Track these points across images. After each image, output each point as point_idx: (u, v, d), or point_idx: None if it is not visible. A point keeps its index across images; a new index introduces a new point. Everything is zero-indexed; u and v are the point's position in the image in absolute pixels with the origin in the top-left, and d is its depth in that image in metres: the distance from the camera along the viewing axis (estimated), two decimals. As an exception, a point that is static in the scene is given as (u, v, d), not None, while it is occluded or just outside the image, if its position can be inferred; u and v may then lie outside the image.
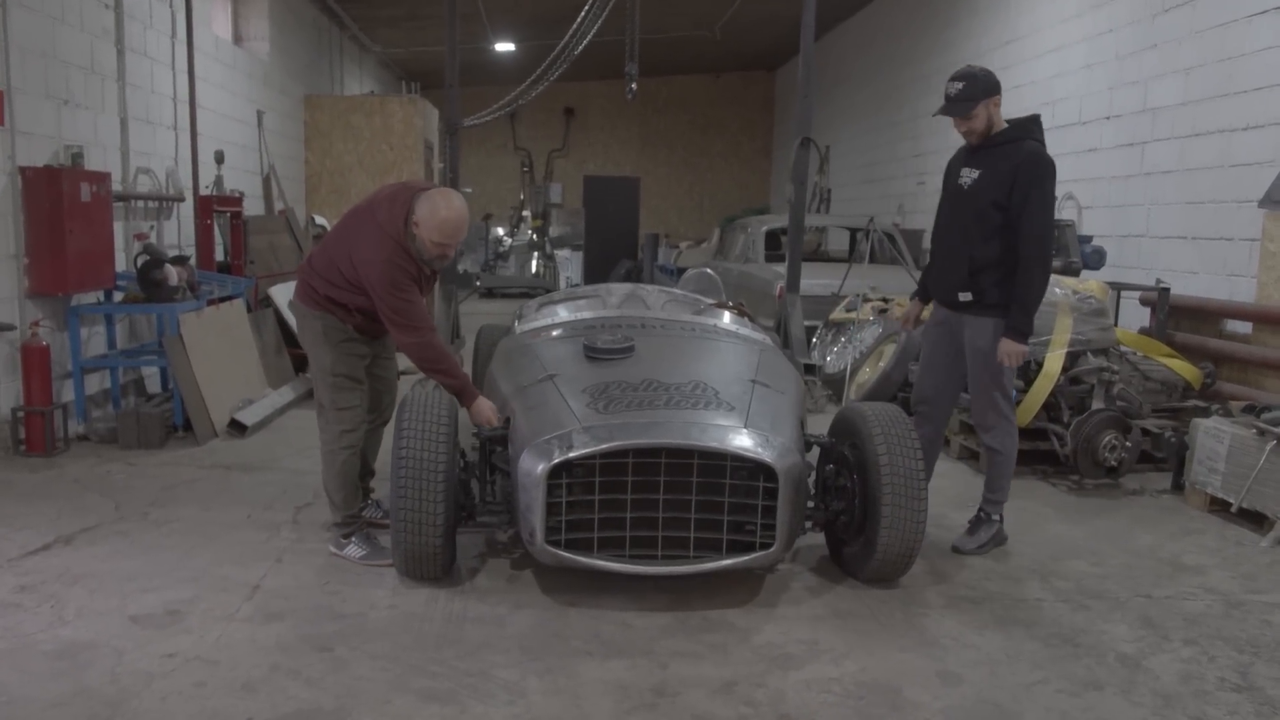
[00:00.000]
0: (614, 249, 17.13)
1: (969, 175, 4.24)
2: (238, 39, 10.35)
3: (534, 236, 18.67)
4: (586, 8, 8.85)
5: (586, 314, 5.07)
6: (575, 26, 8.97)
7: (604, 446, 3.43)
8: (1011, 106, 9.60)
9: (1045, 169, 4.09)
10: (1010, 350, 4.16)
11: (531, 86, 9.49)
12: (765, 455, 3.46)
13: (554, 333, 4.77)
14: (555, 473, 3.44)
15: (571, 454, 3.43)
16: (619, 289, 5.83)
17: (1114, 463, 5.28)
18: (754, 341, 4.75)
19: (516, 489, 3.57)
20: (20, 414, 5.63)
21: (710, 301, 5.78)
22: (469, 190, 19.35)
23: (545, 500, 3.44)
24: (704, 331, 4.75)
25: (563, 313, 5.19)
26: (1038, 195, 4.05)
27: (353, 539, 4.10)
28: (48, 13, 6.00)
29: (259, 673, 3.09)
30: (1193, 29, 6.95)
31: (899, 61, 13.07)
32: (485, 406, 4.03)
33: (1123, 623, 3.62)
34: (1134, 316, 7.20)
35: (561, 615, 3.58)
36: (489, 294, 17.80)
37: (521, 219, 19.65)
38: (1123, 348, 5.97)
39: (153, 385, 7.16)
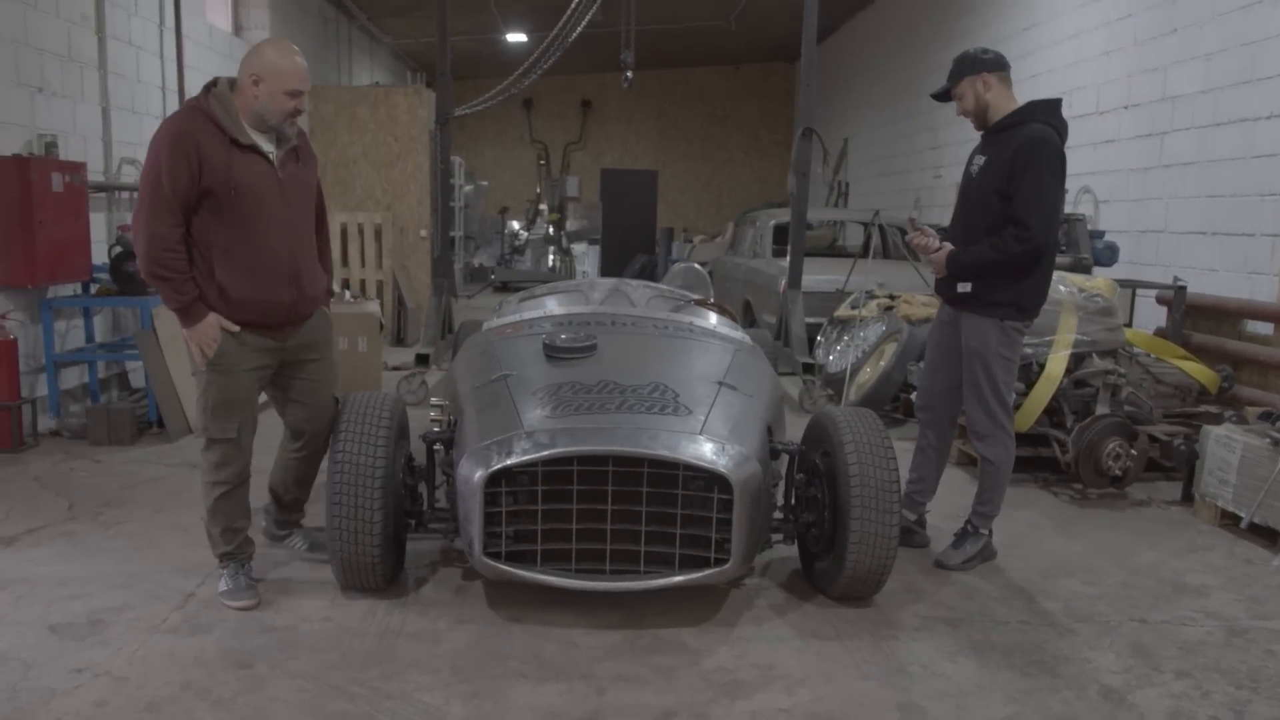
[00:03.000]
0: (631, 243, 16.92)
1: (978, 162, 3.98)
2: (238, 29, 10.21)
3: (550, 230, 18.47)
4: (579, -5, 8.61)
5: (557, 310, 4.84)
6: (568, 14, 8.73)
7: (545, 454, 3.19)
8: (1029, 95, 9.25)
9: (1041, 151, 3.76)
10: (936, 263, 3.99)
11: (523, 76, 9.24)
12: (719, 464, 3.21)
13: (521, 330, 4.54)
14: (494, 480, 3.22)
15: (510, 461, 3.19)
16: (602, 284, 5.60)
17: (1118, 472, 4.97)
18: (730, 341, 4.50)
19: (457, 496, 3.36)
20: (-14, 409, 5.50)
21: (693, 298, 5.53)
22: (485, 183, 19.22)
23: (483, 510, 3.21)
24: (677, 330, 4.50)
25: (535, 309, 4.97)
26: (1033, 178, 3.74)
27: (224, 572, 3.58)
28: (20, -2, 5.86)
29: (167, 691, 2.89)
30: (1214, 12, 6.59)
31: (917, 51, 12.71)
32: (204, 327, 3.32)
33: (1111, 650, 3.33)
34: (1150, 316, 6.86)
35: (503, 631, 3.35)
36: (504, 288, 17.63)
37: (538, 212, 19.46)
38: (1133, 349, 5.64)
39: (137, 379, 7.02)
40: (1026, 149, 3.76)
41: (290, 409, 3.75)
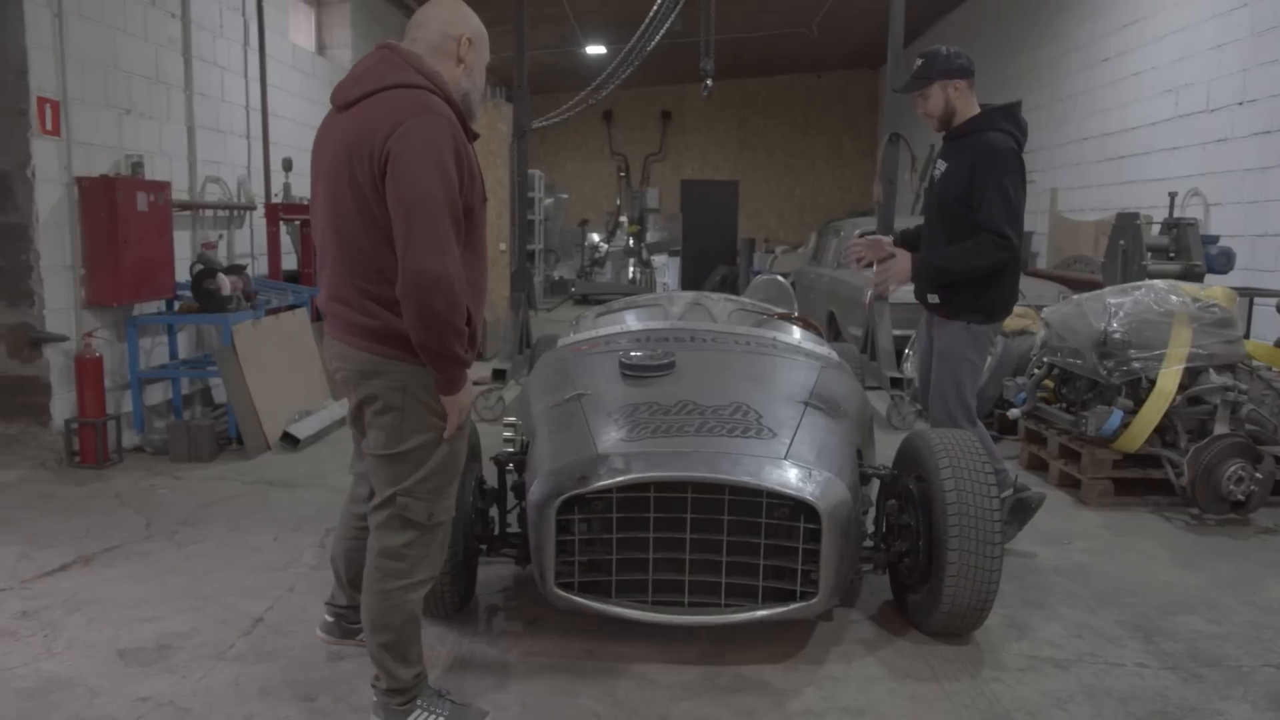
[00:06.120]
0: (712, 254, 16.75)
1: (940, 168, 4.04)
2: (321, 48, 10.36)
3: (630, 242, 18.40)
4: (656, 5, 8.46)
5: (635, 325, 4.67)
6: (646, 23, 8.59)
7: (620, 480, 3.02)
8: (1130, 95, 8.76)
9: (1000, 160, 3.79)
10: (897, 270, 3.99)
11: (600, 87, 9.15)
12: (806, 491, 2.99)
13: (597, 347, 4.39)
14: (566, 507, 3.06)
15: (582, 487, 3.03)
16: (681, 297, 5.42)
17: (1240, 496, 4.58)
18: (816, 357, 4.27)
19: (528, 523, 3.21)
20: (74, 426, 5.58)
21: (777, 311, 5.30)
22: (565, 196, 19.24)
23: (555, 538, 3.06)
24: (759, 346, 4.29)
25: (611, 324, 4.81)
26: (994, 188, 3.76)
27: (418, 704, 2.67)
28: (109, 23, 5.96)
29: (230, 725, 2.80)
30: (1342, -1, 6.12)
31: (1008, 52, 12.24)
32: (470, 389, 2.60)
33: (1245, 700, 3.00)
34: (1271, 326, 6.37)
35: (576, 666, 3.18)
36: (584, 300, 17.61)
37: (618, 224, 19.41)
38: (1254, 363, 5.22)
39: (221, 395, 7.10)
40: (985, 158, 3.79)
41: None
